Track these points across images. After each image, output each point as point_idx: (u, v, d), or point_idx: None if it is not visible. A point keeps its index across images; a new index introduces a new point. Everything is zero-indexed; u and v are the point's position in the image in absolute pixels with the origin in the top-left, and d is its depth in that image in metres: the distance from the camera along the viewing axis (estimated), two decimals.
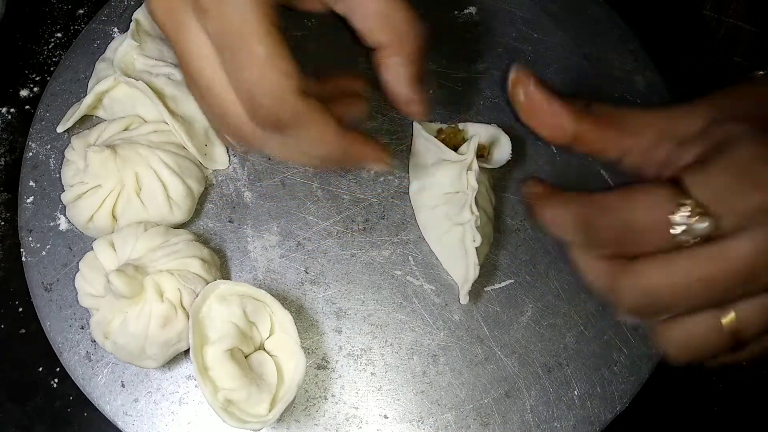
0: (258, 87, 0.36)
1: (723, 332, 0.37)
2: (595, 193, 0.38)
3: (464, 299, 0.46)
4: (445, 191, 0.47)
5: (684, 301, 0.36)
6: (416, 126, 0.49)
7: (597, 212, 0.37)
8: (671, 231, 0.34)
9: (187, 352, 0.43)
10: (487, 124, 0.49)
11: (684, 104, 0.39)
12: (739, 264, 0.34)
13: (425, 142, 0.48)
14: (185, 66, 0.39)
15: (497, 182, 0.49)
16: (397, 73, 0.42)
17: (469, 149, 0.46)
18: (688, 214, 0.34)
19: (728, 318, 0.36)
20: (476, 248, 0.44)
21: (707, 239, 0.34)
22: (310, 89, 0.38)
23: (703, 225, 0.33)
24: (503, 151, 0.49)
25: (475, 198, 0.45)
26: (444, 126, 0.49)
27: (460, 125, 0.49)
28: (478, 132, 0.49)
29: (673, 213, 0.34)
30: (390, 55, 0.41)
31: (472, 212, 0.44)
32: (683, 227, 0.34)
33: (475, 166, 0.45)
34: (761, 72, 0.49)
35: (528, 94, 0.40)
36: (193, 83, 0.39)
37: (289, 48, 0.37)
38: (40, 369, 0.50)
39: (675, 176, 0.35)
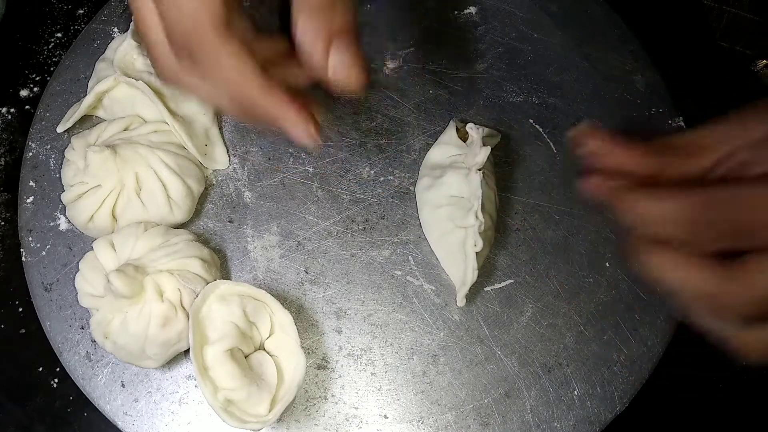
0: (174, 12, 0.34)
1: None
2: (700, 188, 0.36)
3: (461, 302, 0.46)
4: (451, 194, 0.47)
5: None
6: (451, 122, 0.49)
7: (708, 206, 0.35)
8: None
9: (187, 352, 0.43)
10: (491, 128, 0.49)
11: (751, 109, 0.38)
12: None
13: (448, 139, 0.48)
14: None
15: (497, 182, 0.49)
16: (305, 32, 0.36)
17: (477, 157, 0.46)
18: None
19: None
20: (476, 253, 0.44)
21: None
22: (241, 31, 0.35)
23: None
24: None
25: (483, 202, 0.45)
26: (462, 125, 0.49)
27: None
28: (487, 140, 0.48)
29: None
30: (296, 11, 0.36)
31: (477, 218, 0.44)
32: None
33: (479, 177, 0.45)
34: (764, 61, 0.49)
35: (597, 141, 0.38)
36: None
37: None
38: (40, 369, 0.50)
39: None
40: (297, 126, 0.37)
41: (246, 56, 0.35)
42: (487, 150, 0.45)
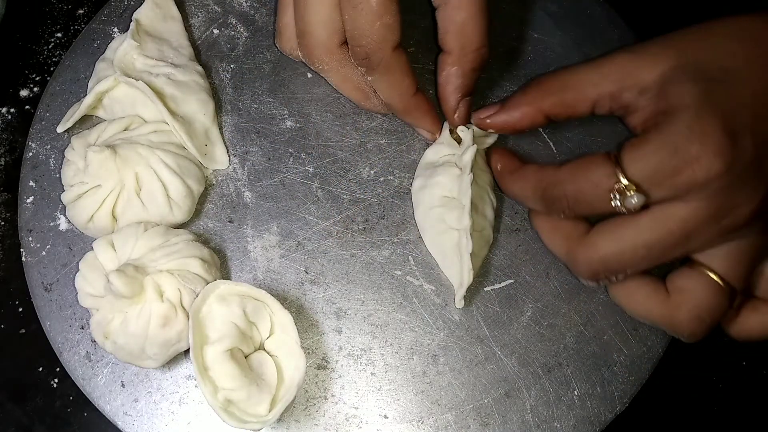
0: (363, 31, 0.43)
1: (717, 293, 0.41)
2: (549, 167, 0.43)
3: (459, 303, 0.46)
4: (443, 194, 0.47)
5: (631, 265, 0.41)
6: (446, 123, 0.49)
7: (550, 185, 0.42)
8: (611, 203, 0.39)
9: (187, 352, 0.43)
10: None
11: (647, 46, 0.42)
12: (675, 228, 0.39)
13: (442, 138, 0.48)
14: None
15: (497, 183, 0.49)
16: (449, 81, 0.46)
17: (464, 156, 0.45)
18: (622, 190, 0.39)
19: (715, 279, 0.41)
20: (471, 253, 0.44)
21: (646, 206, 0.39)
22: (405, 44, 0.44)
23: (634, 201, 0.39)
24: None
25: (475, 202, 0.45)
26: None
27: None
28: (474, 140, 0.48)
29: (611, 189, 0.39)
30: (451, 63, 0.46)
31: (469, 218, 0.44)
32: (619, 201, 0.39)
33: (469, 178, 0.45)
34: None
35: (490, 122, 0.46)
36: None
37: (398, 3, 0.43)
38: (40, 369, 0.50)
39: (616, 154, 0.40)
40: (429, 131, 0.49)
41: (409, 70, 0.45)
42: (474, 149, 0.45)
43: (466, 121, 0.48)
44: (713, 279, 0.41)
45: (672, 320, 0.42)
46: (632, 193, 0.38)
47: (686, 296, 0.42)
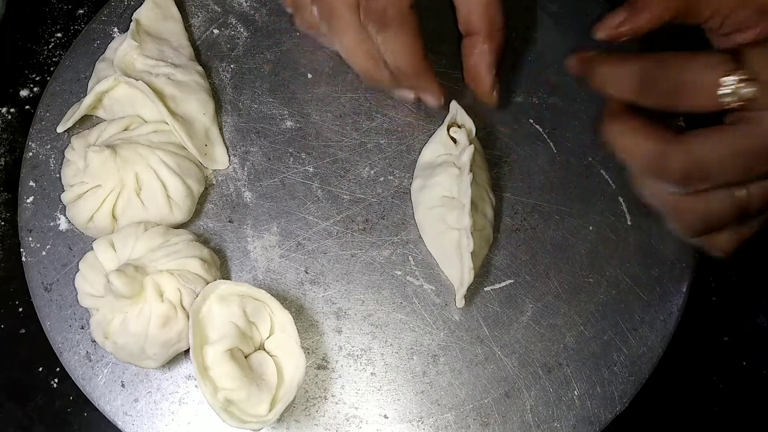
0: None
1: (735, 205, 0.39)
2: (652, 53, 0.40)
3: (460, 303, 0.46)
4: (443, 194, 0.47)
5: (725, 172, 0.38)
6: (444, 123, 0.49)
7: (655, 66, 0.39)
8: (719, 91, 0.36)
9: (187, 352, 0.43)
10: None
11: None
12: None
13: (439, 138, 0.48)
14: None
15: (497, 182, 0.49)
16: (482, 60, 0.47)
17: (462, 157, 0.45)
18: (738, 78, 0.36)
19: (742, 192, 0.39)
20: (472, 252, 0.44)
21: (748, 121, 0.37)
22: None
23: (748, 90, 0.36)
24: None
25: (475, 201, 0.45)
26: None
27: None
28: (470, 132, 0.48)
29: (724, 76, 0.36)
30: (482, 42, 0.47)
31: (470, 218, 0.44)
32: (730, 89, 0.36)
33: (468, 178, 0.45)
34: None
35: (624, 30, 0.44)
36: None
37: None
38: (40, 369, 0.50)
39: (738, 49, 0.37)
40: (434, 96, 0.48)
41: (419, 33, 0.45)
42: (471, 149, 0.45)
43: (499, 99, 0.48)
44: None
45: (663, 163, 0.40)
46: (748, 82, 0.36)
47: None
